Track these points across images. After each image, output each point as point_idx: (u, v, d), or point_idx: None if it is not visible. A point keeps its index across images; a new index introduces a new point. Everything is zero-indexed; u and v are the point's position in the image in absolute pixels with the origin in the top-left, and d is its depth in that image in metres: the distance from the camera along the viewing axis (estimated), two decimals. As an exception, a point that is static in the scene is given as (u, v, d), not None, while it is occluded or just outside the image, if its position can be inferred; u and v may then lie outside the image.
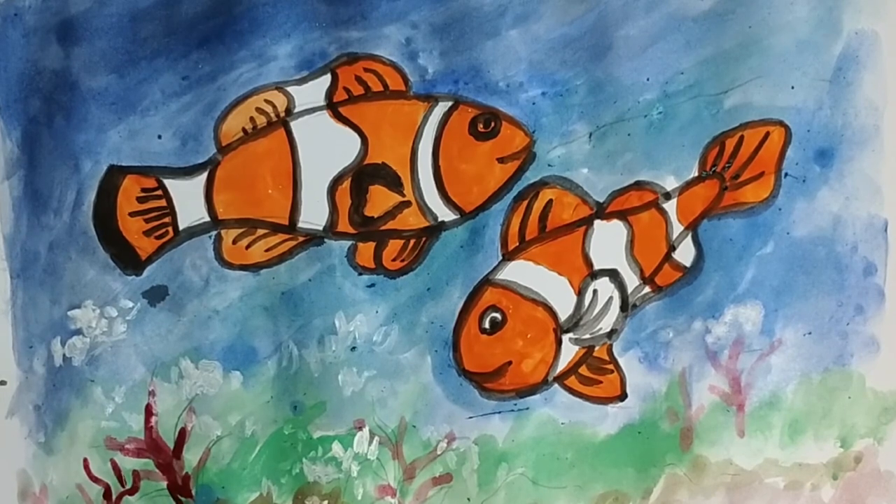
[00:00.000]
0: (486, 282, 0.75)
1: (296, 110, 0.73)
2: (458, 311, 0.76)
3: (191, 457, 0.76)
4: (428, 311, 0.75)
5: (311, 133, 0.73)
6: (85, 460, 0.76)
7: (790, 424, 0.79)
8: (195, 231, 0.74)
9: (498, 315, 0.75)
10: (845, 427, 0.79)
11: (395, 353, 0.76)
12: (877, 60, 0.74)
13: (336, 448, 0.76)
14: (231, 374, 0.75)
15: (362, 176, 0.73)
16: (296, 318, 0.75)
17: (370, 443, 0.77)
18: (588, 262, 0.75)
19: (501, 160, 0.74)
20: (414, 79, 0.72)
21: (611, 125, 0.74)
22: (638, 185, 0.75)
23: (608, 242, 0.75)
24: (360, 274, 0.75)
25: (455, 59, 0.72)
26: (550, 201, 0.75)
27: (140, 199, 0.73)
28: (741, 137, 0.75)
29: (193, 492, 0.77)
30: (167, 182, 0.73)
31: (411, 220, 0.74)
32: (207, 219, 0.74)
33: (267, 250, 0.74)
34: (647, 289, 0.76)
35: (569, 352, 0.77)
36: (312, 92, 0.73)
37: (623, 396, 0.77)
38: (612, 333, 0.77)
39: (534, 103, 0.73)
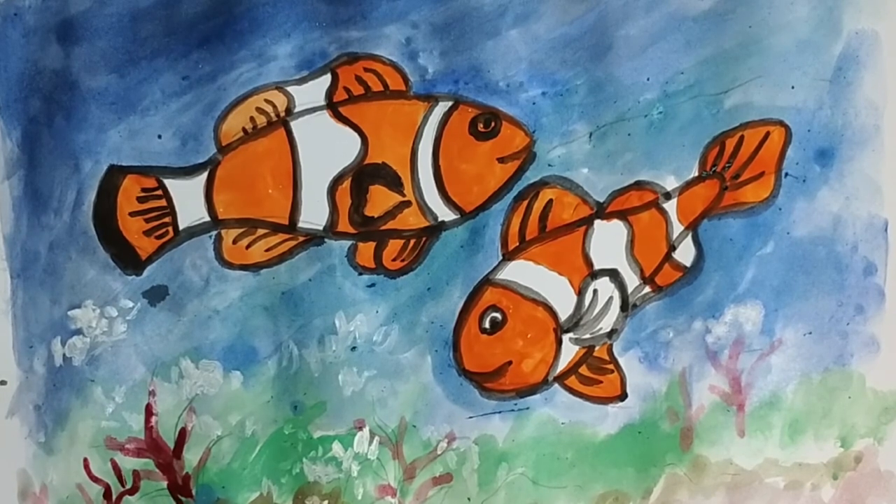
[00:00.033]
0: (487, 282, 0.75)
1: (296, 110, 0.73)
2: (459, 311, 0.76)
3: (191, 457, 0.76)
4: (428, 311, 0.75)
5: (311, 133, 0.73)
6: (85, 460, 0.76)
7: (790, 424, 0.79)
8: (195, 231, 0.74)
9: (498, 315, 0.75)
10: (845, 427, 0.79)
11: (395, 353, 0.76)
12: (877, 60, 0.74)
13: (336, 448, 0.76)
14: (231, 374, 0.75)
15: (362, 176, 0.73)
16: (296, 317, 0.75)
17: (370, 443, 0.77)
18: (588, 262, 0.75)
19: (501, 160, 0.74)
20: (414, 79, 0.72)
21: (611, 125, 0.74)
22: (638, 185, 0.75)
23: (608, 242, 0.75)
24: (361, 274, 0.75)
25: (455, 59, 0.72)
26: (550, 201, 0.75)
27: (140, 199, 0.73)
28: (741, 137, 0.75)
29: (194, 492, 0.77)
30: (167, 182, 0.73)
31: (411, 219, 0.74)
32: (207, 219, 0.74)
33: (267, 250, 0.74)
34: (647, 289, 0.76)
35: (569, 352, 0.77)
36: (312, 92, 0.73)
37: (623, 396, 0.77)
38: (612, 333, 0.77)
39: (534, 103, 0.73)
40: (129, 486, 0.77)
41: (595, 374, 0.77)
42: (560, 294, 0.76)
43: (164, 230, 0.74)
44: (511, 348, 0.76)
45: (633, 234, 0.75)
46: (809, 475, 0.80)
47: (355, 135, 0.73)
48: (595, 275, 0.76)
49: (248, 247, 0.74)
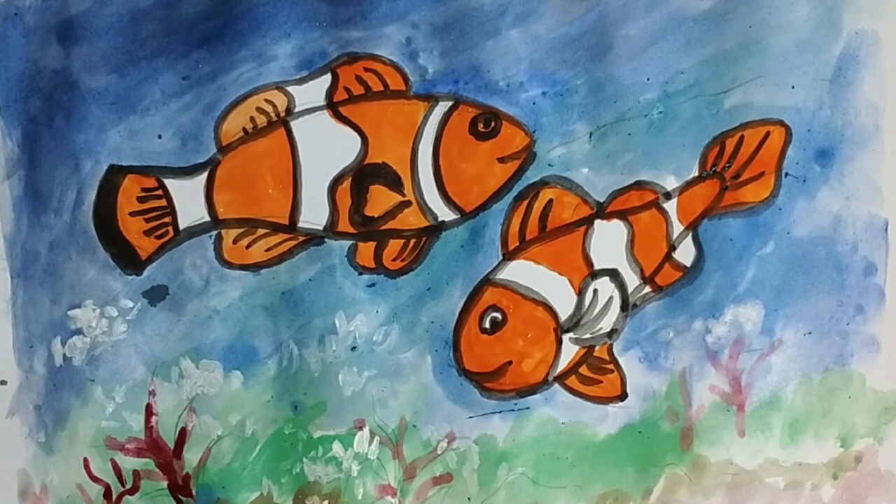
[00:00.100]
0: (487, 281, 0.75)
1: (296, 110, 0.73)
2: (459, 311, 0.76)
3: (191, 456, 0.76)
4: (428, 311, 0.75)
5: (311, 133, 0.73)
6: (85, 460, 0.76)
7: (790, 424, 0.79)
8: (195, 231, 0.74)
9: (498, 315, 0.75)
10: (845, 427, 0.79)
11: (395, 353, 0.76)
12: (877, 60, 0.74)
13: (336, 448, 0.76)
14: (231, 374, 0.75)
15: (362, 176, 0.73)
16: (296, 317, 0.75)
17: (370, 442, 0.77)
18: (588, 262, 0.75)
19: (502, 160, 0.74)
20: (414, 78, 0.72)
21: (611, 125, 0.74)
22: (638, 185, 0.75)
23: (608, 242, 0.75)
24: (361, 274, 0.75)
25: (455, 59, 0.72)
26: (551, 201, 0.75)
27: (140, 199, 0.73)
28: (741, 137, 0.75)
29: (194, 491, 0.77)
30: (167, 182, 0.73)
31: (411, 219, 0.74)
32: (208, 218, 0.74)
33: (267, 250, 0.74)
34: (647, 288, 0.76)
35: (569, 351, 0.77)
36: (313, 91, 0.73)
37: (623, 396, 0.77)
38: (612, 333, 0.77)
39: (534, 103, 0.73)
40: (129, 486, 0.77)
41: (595, 374, 0.77)
42: (560, 294, 0.76)
43: (164, 230, 0.74)
44: (511, 348, 0.76)
45: (633, 234, 0.75)
46: (809, 475, 0.80)
47: (355, 135, 0.73)
48: (595, 275, 0.76)
49: (248, 247, 0.74)
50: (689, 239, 0.76)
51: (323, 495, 0.77)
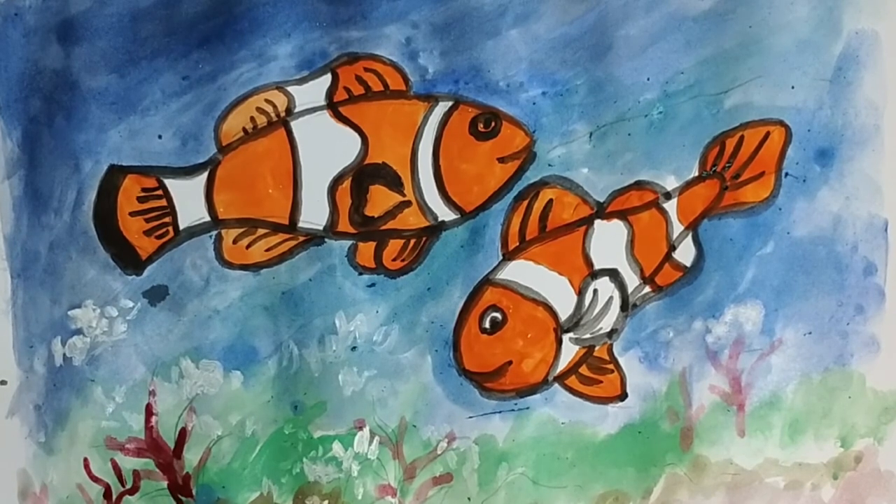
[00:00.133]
0: (487, 281, 0.75)
1: (296, 110, 0.73)
2: (459, 311, 0.76)
3: (191, 456, 0.76)
4: (428, 311, 0.75)
5: (311, 133, 0.73)
6: (85, 460, 0.76)
7: (790, 424, 0.79)
8: (195, 231, 0.74)
9: (498, 315, 0.75)
10: (845, 427, 0.79)
11: (395, 353, 0.76)
12: (877, 60, 0.74)
13: (336, 448, 0.76)
14: (231, 374, 0.75)
15: (363, 176, 0.73)
16: (296, 317, 0.75)
17: (370, 442, 0.77)
18: (588, 262, 0.75)
19: (502, 160, 0.74)
20: (414, 78, 0.72)
21: (611, 125, 0.74)
22: (638, 185, 0.75)
23: (608, 242, 0.75)
24: (361, 274, 0.75)
25: (455, 59, 0.72)
26: (551, 201, 0.75)
27: (140, 199, 0.73)
28: (741, 137, 0.75)
29: (194, 491, 0.77)
30: (167, 182, 0.73)
31: (411, 219, 0.74)
32: (208, 218, 0.74)
33: (267, 250, 0.74)
34: (647, 288, 0.76)
35: (569, 351, 0.77)
36: (313, 92, 0.73)
37: (623, 396, 0.77)
38: (612, 333, 0.77)
39: (534, 103, 0.73)
40: (129, 485, 0.77)
41: (595, 374, 0.77)
42: (560, 294, 0.76)
43: (164, 230, 0.74)
44: (511, 348, 0.76)
45: (633, 234, 0.75)
46: (809, 475, 0.80)
47: (355, 135, 0.73)
48: (595, 275, 0.76)
49: (248, 247, 0.74)
50: (689, 239, 0.76)
51: (323, 495, 0.77)
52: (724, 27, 0.73)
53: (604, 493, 0.79)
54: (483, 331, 0.76)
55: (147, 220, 0.74)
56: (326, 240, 0.74)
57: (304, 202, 0.73)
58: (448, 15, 0.72)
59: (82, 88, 0.72)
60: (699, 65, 0.73)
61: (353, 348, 0.75)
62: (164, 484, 0.77)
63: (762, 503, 0.80)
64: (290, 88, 0.72)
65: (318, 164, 0.73)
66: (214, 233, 0.74)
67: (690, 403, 0.78)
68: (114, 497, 0.77)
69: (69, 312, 0.75)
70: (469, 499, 0.78)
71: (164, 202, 0.73)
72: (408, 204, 0.74)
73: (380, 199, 0.74)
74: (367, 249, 0.74)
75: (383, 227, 0.74)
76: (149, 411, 0.76)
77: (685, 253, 0.76)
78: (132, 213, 0.74)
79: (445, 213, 0.74)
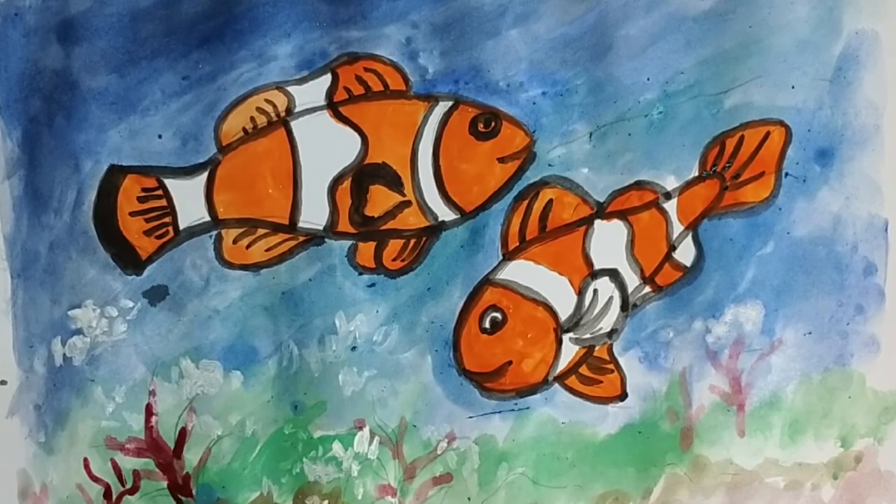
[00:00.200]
0: (487, 281, 0.75)
1: (296, 110, 0.73)
2: (459, 311, 0.76)
3: (191, 456, 0.76)
4: (428, 311, 0.75)
5: (311, 133, 0.73)
6: (85, 460, 0.76)
7: (790, 424, 0.79)
8: (195, 231, 0.74)
9: (498, 315, 0.75)
10: (845, 427, 0.79)
11: (395, 353, 0.76)
12: (877, 60, 0.74)
13: (336, 448, 0.76)
14: (231, 374, 0.75)
15: (363, 176, 0.73)
16: (296, 317, 0.75)
17: (370, 442, 0.77)
18: (588, 262, 0.75)
19: (502, 160, 0.74)
20: (414, 78, 0.72)
21: (611, 125, 0.74)
22: (638, 185, 0.75)
23: (608, 242, 0.75)
24: (361, 274, 0.75)
25: (455, 59, 0.72)
26: (551, 201, 0.75)
27: (140, 199, 0.73)
28: (741, 137, 0.75)
29: (194, 491, 0.77)
30: (167, 182, 0.73)
31: (411, 219, 0.74)
32: (208, 218, 0.74)
33: (267, 250, 0.74)
34: (647, 288, 0.76)
35: (569, 351, 0.77)
36: (313, 91, 0.73)
37: (623, 396, 0.77)
38: (612, 333, 0.77)
39: (534, 103, 0.73)
40: (129, 485, 0.77)
41: (595, 374, 0.77)
42: (560, 294, 0.76)
43: (164, 230, 0.74)
44: (511, 348, 0.76)
45: (633, 234, 0.75)
46: (809, 475, 0.80)
47: (355, 135, 0.73)
48: (595, 275, 0.76)
49: (248, 247, 0.74)
50: (689, 239, 0.76)
51: (323, 495, 0.77)
52: (724, 27, 0.73)
53: (604, 493, 0.79)
54: (483, 331, 0.76)
55: (147, 220, 0.74)
56: (326, 240, 0.74)
57: (304, 202, 0.73)
58: (448, 15, 0.72)
59: (82, 88, 0.72)
60: (699, 65, 0.73)
61: (353, 348, 0.75)
62: (164, 484, 0.77)
63: (762, 503, 0.80)
64: (290, 88, 0.72)
65: (318, 164, 0.73)
66: (214, 233, 0.74)
67: (690, 403, 0.78)
68: (114, 497, 0.77)
69: (69, 312, 0.75)
70: (469, 499, 0.78)
71: (164, 202, 0.73)
72: (408, 204, 0.74)
73: (380, 199, 0.74)
74: (367, 249, 0.74)
75: (383, 227, 0.74)
76: (149, 411, 0.76)
77: (685, 253, 0.76)
78: (132, 213, 0.74)
79: (445, 213, 0.74)
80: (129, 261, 0.74)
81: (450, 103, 0.73)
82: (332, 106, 0.73)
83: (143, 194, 0.73)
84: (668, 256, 0.76)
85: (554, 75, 0.73)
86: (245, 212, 0.74)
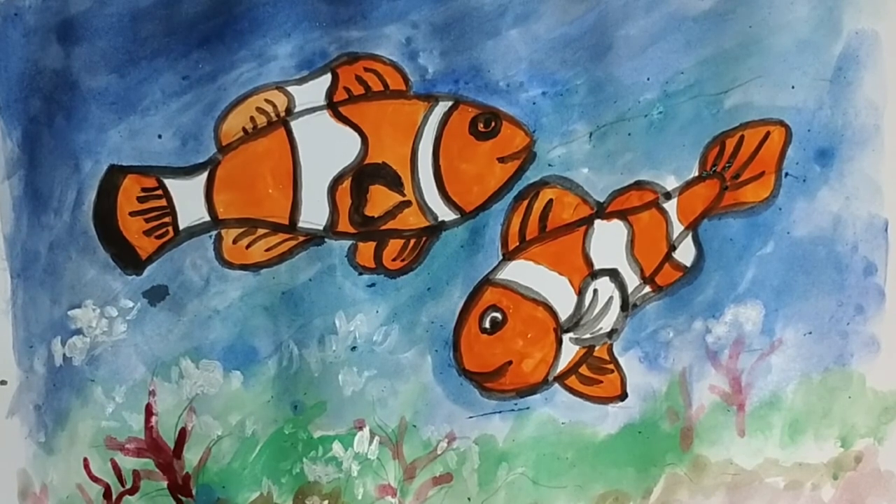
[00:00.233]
0: (487, 281, 0.75)
1: (296, 110, 0.73)
2: (459, 311, 0.76)
3: (191, 456, 0.76)
4: (428, 311, 0.75)
5: (311, 133, 0.73)
6: (85, 460, 0.76)
7: (790, 424, 0.79)
8: (195, 231, 0.74)
9: (498, 315, 0.75)
10: (845, 427, 0.79)
11: (395, 353, 0.76)
12: (877, 60, 0.74)
13: (336, 448, 0.76)
14: (231, 374, 0.75)
15: (362, 176, 0.73)
16: (296, 317, 0.75)
17: (370, 442, 0.77)
18: (588, 262, 0.75)
19: (502, 160, 0.74)
20: (414, 78, 0.72)
21: (611, 125, 0.74)
22: (638, 185, 0.75)
23: (608, 242, 0.75)
24: (361, 274, 0.75)
25: (455, 59, 0.72)
26: (551, 201, 0.75)
27: (140, 199, 0.73)
28: (741, 137, 0.75)
29: (194, 491, 0.77)
30: (167, 182, 0.73)
31: (411, 219, 0.74)
32: (208, 218, 0.74)
33: (267, 250, 0.74)
34: (647, 288, 0.76)
35: (569, 351, 0.77)
36: (313, 91, 0.73)
37: (623, 396, 0.77)
38: (612, 333, 0.77)
39: (534, 103, 0.73)
40: (129, 486, 0.77)
41: (595, 374, 0.77)
42: (560, 294, 0.76)
43: (164, 230, 0.74)
44: (511, 348, 0.76)
45: (633, 234, 0.75)
46: (809, 475, 0.80)
47: (355, 135, 0.73)
48: (595, 275, 0.76)
49: (248, 247, 0.74)
50: (689, 239, 0.76)
51: (323, 495, 0.77)
52: (724, 27, 0.73)
53: (604, 493, 0.79)
54: (483, 331, 0.76)
55: (147, 220, 0.74)
56: (326, 240, 0.74)
57: (304, 202, 0.73)
58: (448, 15, 0.72)
59: (82, 88, 0.72)
60: (699, 65, 0.73)
61: (353, 348, 0.75)
62: (164, 484, 0.77)
63: (762, 503, 0.80)
64: (290, 88, 0.72)
65: (318, 164, 0.73)
66: (214, 233, 0.74)
67: (690, 403, 0.78)
68: (114, 497, 0.77)
69: (69, 312, 0.75)
70: (469, 499, 0.78)
71: (163, 202, 0.73)
72: (408, 204, 0.74)
73: (380, 199, 0.74)
74: (367, 249, 0.74)
75: (383, 227, 0.74)
76: (149, 411, 0.76)
77: (685, 253, 0.76)
78: (132, 213, 0.74)
79: (445, 213, 0.74)
80: (129, 261, 0.74)
81: (450, 103, 0.73)
82: (332, 106, 0.73)
83: (142, 194, 0.73)
84: (668, 256, 0.76)
85: (554, 75, 0.73)
86: (245, 212, 0.74)
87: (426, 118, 0.73)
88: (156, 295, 0.75)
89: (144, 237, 0.74)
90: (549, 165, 0.74)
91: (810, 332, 0.78)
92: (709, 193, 0.75)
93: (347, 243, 0.74)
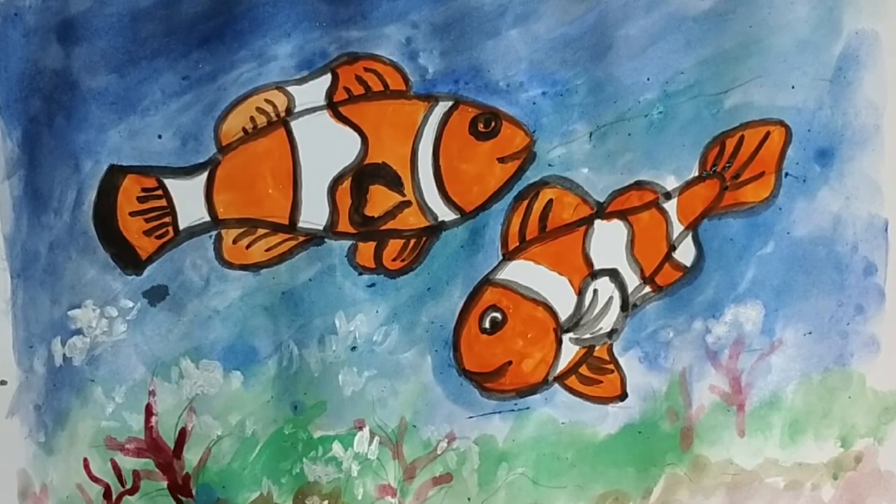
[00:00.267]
0: (487, 281, 0.75)
1: (296, 110, 0.73)
2: (459, 311, 0.76)
3: (191, 456, 0.76)
4: (428, 311, 0.75)
5: (311, 133, 0.73)
6: (85, 460, 0.76)
7: (790, 424, 0.79)
8: (195, 231, 0.74)
9: (498, 315, 0.75)
10: (845, 427, 0.79)
11: (395, 353, 0.76)
12: (877, 60, 0.74)
13: (336, 448, 0.76)
14: (231, 374, 0.75)
15: (362, 176, 0.73)
16: (296, 317, 0.75)
17: (370, 443, 0.77)
18: (588, 262, 0.75)
19: (502, 160, 0.74)
20: (414, 78, 0.72)
21: (611, 125, 0.74)
22: (638, 185, 0.75)
23: (608, 242, 0.75)
24: (361, 274, 0.75)
25: (455, 59, 0.72)
26: (551, 201, 0.75)
27: (140, 199, 0.73)
28: (741, 137, 0.75)
29: (194, 491, 0.77)
30: (167, 182, 0.73)
31: (411, 219, 0.74)
32: (208, 218, 0.74)
33: (267, 250, 0.74)
34: (647, 288, 0.76)
35: (569, 351, 0.77)
36: (313, 91, 0.73)
37: (623, 396, 0.77)
38: (612, 333, 0.77)
39: (534, 103, 0.73)
40: (129, 486, 0.77)
41: (595, 374, 0.77)
42: (560, 294, 0.76)
43: (164, 230, 0.74)
44: (511, 348, 0.76)
45: (633, 234, 0.75)
46: (809, 475, 0.80)
47: (355, 135, 0.73)
48: (595, 275, 0.76)
49: (248, 247, 0.74)
50: (689, 239, 0.76)
51: (323, 495, 0.77)
52: (724, 27, 0.73)
53: (604, 493, 0.79)
54: (483, 331, 0.76)
55: (147, 220, 0.74)
56: (326, 240, 0.74)
57: (304, 202, 0.73)
58: (448, 15, 0.72)
59: (82, 88, 0.72)
60: (699, 65, 0.73)
61: (353, 348, 0.75)
62: (164, 484, 0.77)
63: (762, 503, 0.80)
64: (290, 88, 0.72)
65: (318, 164, 0.73)
66: (214, 233, 0.74)
67: (690, 403, 0.78)
68: (114, 497, 0.77)
69: (69, 312, 0.75)
70: (469, 499, 0.78)
71: (163, 202, 0.73)
72: (408, 204, 0.74)
73: (380, 199, 0.74)
74: (367, 249, 0.74)
75: (383, 227, 0.74)
76: (149, 411, 0.76)
77: (685, 253, 0.76)
78: (132, 213, 0.74)
79: (445, 213, 0.74)
80: (129, 261, 0.74)
81: (450, 103, 0.73)
82: (332, 106, 0.73)
83: (142, 194, 0.73)
84: (668, 256, 0.76)
85: (554, 75, 0.73)
86: (245, 212, 0.74)
87: (426, 118, 0.73)
88: (156, 295, 0.75)
89: (144, 237, 0.74)
90: (549, 165, 0.74)
91: (810, 332, 0.78)
92: (709, 193, 0.75)
93: (347, 243, 0.74)
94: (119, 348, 0.75)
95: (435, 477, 0.78)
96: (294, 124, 0.73)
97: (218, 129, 0.73)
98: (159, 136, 0.72)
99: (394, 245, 0.74)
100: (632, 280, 0.76)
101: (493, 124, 0.73)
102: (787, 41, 0.73)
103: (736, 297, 0.77)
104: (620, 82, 0.73)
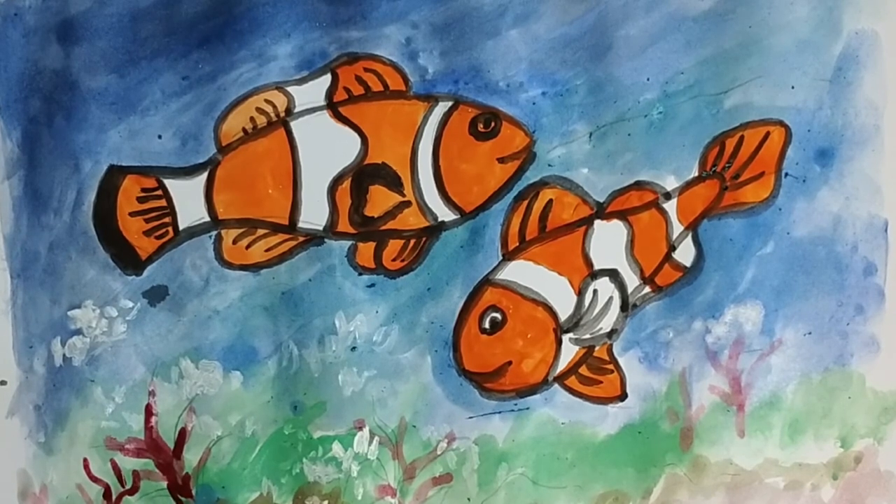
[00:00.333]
0: (486, 282, 0.75)
1: (296, 110, 0.73)
2: (458, 311, 0.76)
3: (191, 457, 0.76)
4: (428, 311, 0.75)
5: (311, 133, 0.73)
6: (85, 460, 0.76)
7: (790, 424, 0.79)
8: (195, 231, 0.74)
9: (498, 315, 0.75)
10: (845, 427, 0.79)
11: (395, 353, 0.76)
12: (877, 60, 0.74)
13: (336, 448, 0.76)
14: (231, 374, 0.75)
15: (362, 176, 0.73)
16: (296, 318, 0.75)
17: (370, 443, 0.77)
18: (588, 262, 0.75)
19: (501, 160, 0.74)
20: (414, 79, 0.72)
21: (611, 125, 0.74)
22: (638, 185, 0.75)
23: (608, 242, 0.75)
24: (361, 274, 0.75)
25: (455, 59, 0.72)
26: (550, 201, 0.75)
27: (140, 199, 0.73)
28: (741, 137, 0.75)
29: (193, 492, 0.77)
30: (167, 182, 0.73)
31: (411, 220, 0.74)
32: (207, 219, 0.74)
33: (267, 250, 0.74)
34: (647, 289, 0.76)
35: (569, 352, 0.77)
36: (312, 92, 0.73)
37: (623, 396, 0.77)
38: (612, 333, 0.77)
39: (534, 103, 0.73)
40: (128, 486, 0.77)
41: (595, 374, 0.77)
42: (560, 294, 0.76)
43: (164, 230, 0.74)
44: (511, 348, 0.76)
45: (633, 234, 0.75)
46: (809, 475, 0.80)
47: (355, 135, 0.73)
48: (595, 275, 0.76)
49: (248, 247, 0.74)
50: (689, 239, 0.76)
51: (323, 495, 0.77)
52: (724, 27, 0.73)
53: (604, 493, 0.79)
54: (483, 331, 0.76)
55: (147, 221, 0.74)
56: (326, 240, 0.74)
57: (303, 202, 0.73)
58: (448, 15, 0.72)
59: (82, 88, 0.72)
60: (699, 65, 0.73)
61: (353, 348, 0.75)
62: (164, 484, 0.77)
63: (762, 503, 0.80)
64: (289, 88, 0.72)
65: (318, 164, 0.73)
66: (214, 233, 0.74)
67: (690, 403, 0.78)
68: (113, 497, 0.77)
69: (69, 312, 0.75)
70: (469, 499, 0.78)
71: (163, 202, 0.73)
72: (408, 204, 0.74)
73: (380, 200, 0.74)
74: (366, 249, 0.74)
75: (383, 228, 0.74)
76: (148, 411, 0.76)
77: (685, 253, 0.76)
78: (132, 214, 0.74)
79: (445, 214, 0.74)
80: (128, 261, 0.74)
81: (450, 103, 0.73)
82: (332, 106, 0.73)
83: (142, 194, 0.73)
84: (667, 256, 0.76)
85: (554, 75, 0.73)
86: (245, 212, 0.74)
87: (426, 118, 0.73)
88: (156, 295, 0.75)
89: (144, 237, 0.74)
90: (549, 165, 0.74)
91: (810, 333, 0.78)
92: (709, 193, 0.75)
93: (347, 243, 0.74)
94: (119, 348, 0.75)
95: (435, 477, 0.78)
96: (294, 124, 0.73)
97: (218, 129, 0.73)
98: (159, 137, 0.72)
99: (394, 245, 0.74)
100: (632, 280, 0.76)
101: (492, 124, 0.73)
102: (787, 41, 0.73)
103: (736, 298, 0.77)
104: (620, 82, 0.73)
